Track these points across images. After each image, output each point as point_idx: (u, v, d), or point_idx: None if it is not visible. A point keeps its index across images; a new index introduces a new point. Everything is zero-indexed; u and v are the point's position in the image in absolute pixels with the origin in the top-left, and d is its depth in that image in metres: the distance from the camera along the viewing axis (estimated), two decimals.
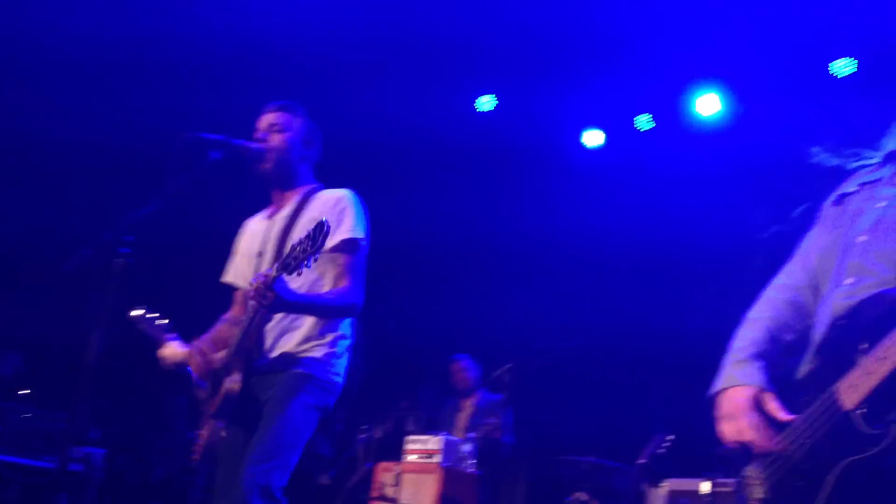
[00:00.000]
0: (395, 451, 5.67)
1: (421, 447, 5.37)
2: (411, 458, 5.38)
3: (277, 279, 2.71)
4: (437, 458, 5.23)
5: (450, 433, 5.72)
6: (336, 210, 3.08)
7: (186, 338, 3.53)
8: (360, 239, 3.06)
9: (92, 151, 6.61)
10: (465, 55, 6.76)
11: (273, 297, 2.71)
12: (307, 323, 3.02)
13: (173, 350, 3.48)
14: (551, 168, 7.30)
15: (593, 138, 7.34)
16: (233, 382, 2.95)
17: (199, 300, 3.50)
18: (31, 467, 5.53)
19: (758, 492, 2.01)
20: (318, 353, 3.00)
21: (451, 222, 7.48)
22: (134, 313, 3.51)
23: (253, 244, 3.26)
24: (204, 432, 3.04)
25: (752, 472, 2.04)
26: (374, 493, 5.30)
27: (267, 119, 3.25)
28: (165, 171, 2.93)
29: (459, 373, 6.65)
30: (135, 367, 3.93)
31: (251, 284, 2.75)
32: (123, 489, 7.07)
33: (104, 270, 3.83)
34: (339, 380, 3.07)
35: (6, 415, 5.57)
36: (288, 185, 3.25)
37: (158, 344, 3.52)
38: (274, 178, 3.24)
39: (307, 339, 3.02)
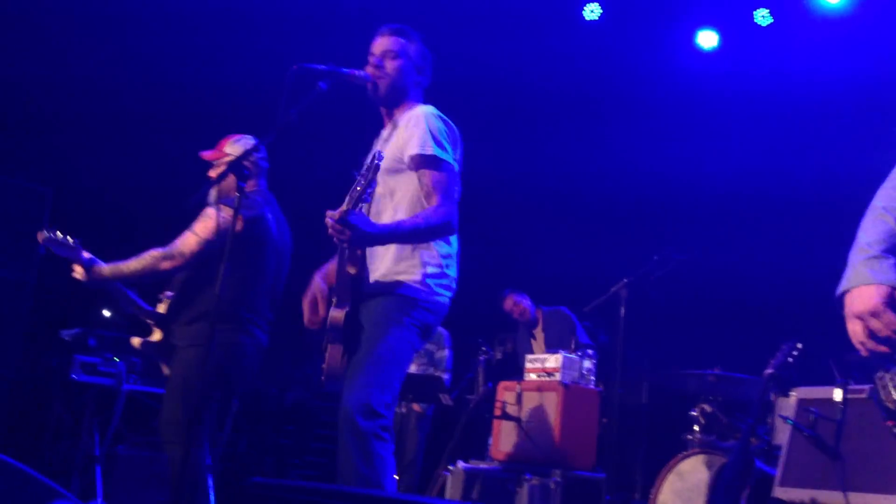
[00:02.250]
0: (515, 371, 5.73)
1: (541, 366, 5.40)
2: (532, 376, 5.43)
3: (349, 213, 2.72)
4: (557, 376, 5.25)
5: None
6: (408, 128, 3.05)
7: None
8: (433, 154, 2.98)
9: (208, 89, 6.80)
10: None
11: (351, 233, 2.73)
12: (396, 245, 3.01)
13: (89, 269, 3.66)
14: (665, 75, 7.00)
15: (708, 39, 6.97)
16: (336, 312, 3.00)
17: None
18: None
19: (893, 393, 1.92)
20: (412, 273, 3.00)
21: (562, 136, 7.35)
22: (41, 236, 3.63)
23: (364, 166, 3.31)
24: (327, 357, 3.13)
25: (887, 373, 1.95)
26: (497, 412, 5.38)
27: (382, 44, 3.21)
28: (277, 105, 2.98)
29: (514, 307, 6.71)
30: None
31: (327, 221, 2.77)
32: (260, 413, 7.48)
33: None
34: (442, 298, 3.05)
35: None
36: (396, 107, 3.23)
37: (74, 263, 3.67)
38: (386, 104, 3.23)
39: (399, 261, 3.01)
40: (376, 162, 2.74)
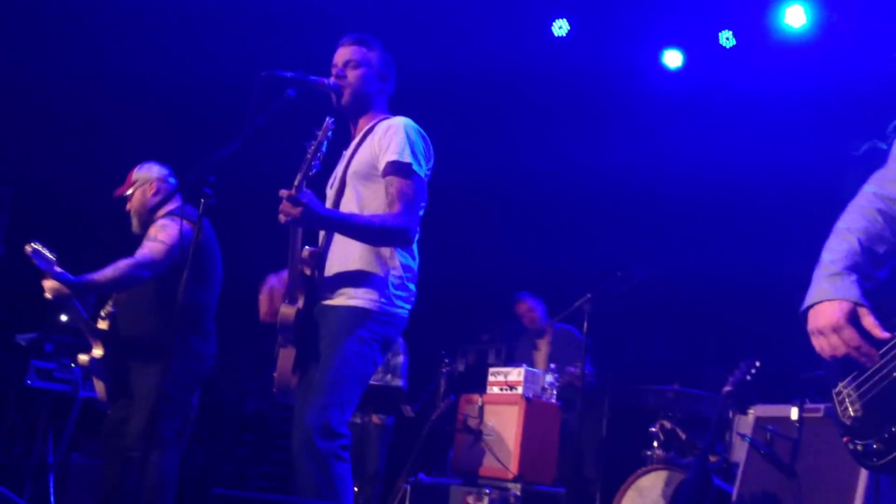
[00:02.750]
0: (477, 384, 5.73)
1: (503, 379, 5.41)
2: (494, 389, 5.43)
3: (301, 191, 2.72)
4: (519, 390, 5.27)
5: None
6: (387, 135, 3.04)
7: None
8: (408, 163, 2.98)
9: (173, 93, 6.72)
10: None
11: (302, 210, 2.72)
12: (360, 253, 2.97)
13: (58, 283, 3.61)
14: (630, 92, 7.08)
15: (673, 59, 7.06)
16: (286, 308, 2.95)
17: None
18: None
19: (851, 410, 1.95)
20: (373, 285, 2.95)
21: (528, 151, 7.38)
22: (28, 248, 3.60)
23: (331, 178, 3.29)
24: (278, 364, 3.07)
25: (845, 389, 1.98)
26: (458, 425, 5.38)
27: (343, 54, 3.20)
28: (244, 111, 2.96)
29: (527, 312, 6.51)
30: (232, 307, 4.05)
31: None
32: (220, 422, 7.39)
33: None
34: (402, 311, 3.02)
35: None
36: (362, 117, 3.23)
37: (46, 276, 3.62)
38: (350, 113, 3.23)
39: (363, 270, 2.96)
40: (327, 124, 2.75)
